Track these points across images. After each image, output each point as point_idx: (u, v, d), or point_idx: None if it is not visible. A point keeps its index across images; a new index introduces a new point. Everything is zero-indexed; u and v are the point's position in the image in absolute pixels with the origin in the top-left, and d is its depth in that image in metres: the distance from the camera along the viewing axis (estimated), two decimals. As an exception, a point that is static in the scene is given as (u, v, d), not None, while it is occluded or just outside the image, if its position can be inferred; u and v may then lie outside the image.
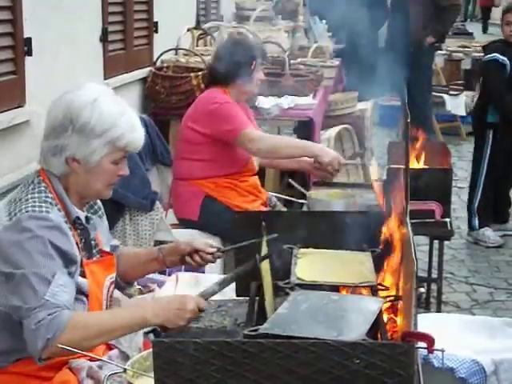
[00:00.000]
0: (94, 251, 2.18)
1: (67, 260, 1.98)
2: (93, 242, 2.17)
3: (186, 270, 3.60)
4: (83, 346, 1.91)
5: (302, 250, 2.20)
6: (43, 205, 2.01)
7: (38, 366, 1.99)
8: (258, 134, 3.64)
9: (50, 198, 2.04)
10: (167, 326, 1.97)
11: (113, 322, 1.96)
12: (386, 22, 8.81)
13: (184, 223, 3.87)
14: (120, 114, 2.07)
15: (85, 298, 2.06)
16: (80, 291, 2.05)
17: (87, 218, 2.16)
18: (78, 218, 2.09)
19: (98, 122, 2.03)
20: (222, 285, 2.13)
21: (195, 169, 3.73)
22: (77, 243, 2.07)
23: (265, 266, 2.04)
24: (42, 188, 2.06)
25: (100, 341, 1.98)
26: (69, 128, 2.03)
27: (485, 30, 17.74)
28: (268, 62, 5.61)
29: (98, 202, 2.27)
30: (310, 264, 2.11)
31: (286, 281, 2.00)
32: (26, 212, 1.98)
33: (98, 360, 2.05)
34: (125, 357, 2.14)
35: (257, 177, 3.91)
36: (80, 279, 2.05)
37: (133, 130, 2.08)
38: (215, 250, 2.36)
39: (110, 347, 2.24)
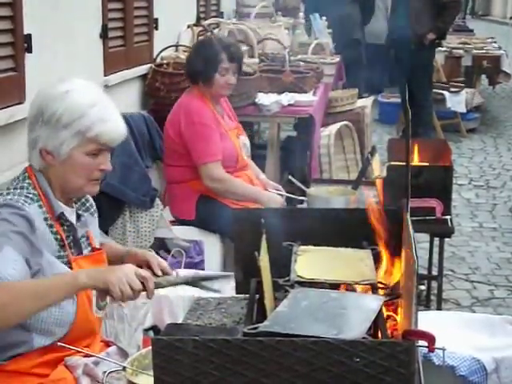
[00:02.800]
0: (88, 248, 2.16)
1: (30, 250, 1.92)
2: (84, 239, 2.16)
3: (185, 267, 3.61)
4: (9, 309, 1.79)
5: (302, 247, 2.20)
6: (22, 198, 2.00)
7: (33, 363, 1.99)
8: (219, 174, 3.64)
9: (31, 194, 2.03)
10: (100, 287, 1.89)
11: (42, 283, 1.88)
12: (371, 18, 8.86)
13: (182, 223, 3.87)
14: (91, 104, 2.03)
15: None
16: None
17: (78, 215, 2.16)
18: (62, 213, 2.07)
19: (65, 113, 2.01)
20: (177, 281, 2.11)
21: (184, 173, 3.75)
22: (62, 239, 2.05)
23: (264, 263, 2.03)
24: (25, 184, 2.05)
25: (29, 304, 1.82)
26: (39, 120, 2.03)
27: None
28: (268, 59, 5.63)
29: (90, 199, 2.25)
30: (309, 261, 2.11)
31: (286, 278, 2.00)
32: (3, 201, 1.98)
33: (97, 357, 2.05)
34: (123, 354, 2.14)
35: (250, 171, 3.91)
36: (62, 265, 2.02)
37: (104, 121, 2.03)
38: (161, 275, 2.18)
39: (108, 344, 2.24)
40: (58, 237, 2.05)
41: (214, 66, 3.67)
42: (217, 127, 3.69)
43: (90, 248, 2.19)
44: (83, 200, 2.23)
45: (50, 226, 2.03)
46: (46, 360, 2.02)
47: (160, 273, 2.19)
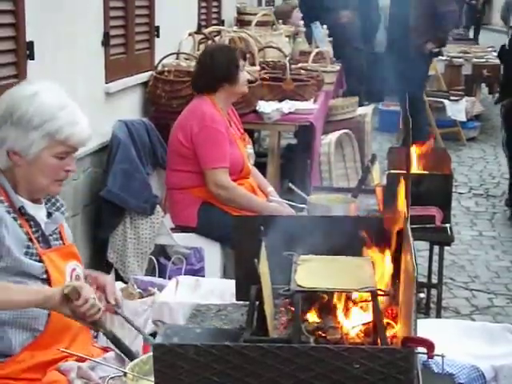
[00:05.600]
0: (57, 243, 2.19)
1: None
2: (55, 235, 2.19)
3: (186, 274, 3.62)
4: None
5: (302, 256, 2.20)
6: None
7: (21, 367, 2.02)
8: (225, 181, 3.66)
9: None
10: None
11: (11, 292, 1.95)
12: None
13: (183, 230, 3.88)
14: (61, 107, 2.07)
15: (34, 283, 2.06)
16: (25, 274, 2.05)
17: (49, 214, 2.19)
18: (22, 207, 2.09)
19: (35, 114, 2.04)
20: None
21: (188, 179, 3.76)
22: (28, 233, 2.09)
23: (263, 270, 2.04)
24: None
25: None
26: (8, 120, 2.05)
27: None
28: (269, 67, 5.65)
29: (60, 199, 2.28)
30: (309, 271, 2.11)
31: (286, 288, 2.00)
32: None
33: (96, 362, 2.05)
34: (121, 359, 2.14)
35: (252, 179, 3.93)
36: (28, 261, 2.05)
37: (74, 124, 2.08)
38: (114, 304, 2.28)
39: (105, 349, 2.24)
40: (25, 230, 2.08)
41: (237, 64, 3.78)
42: (227, 134, 3.71)
43: (61, 242, 2.21)
44: (53, 200, 2.25)
45: (15, 219, 2.06)
46: (35, 364, 2.04)
47: (113, 301, 2.26)
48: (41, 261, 2.08)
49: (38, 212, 2.16)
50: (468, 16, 15.68)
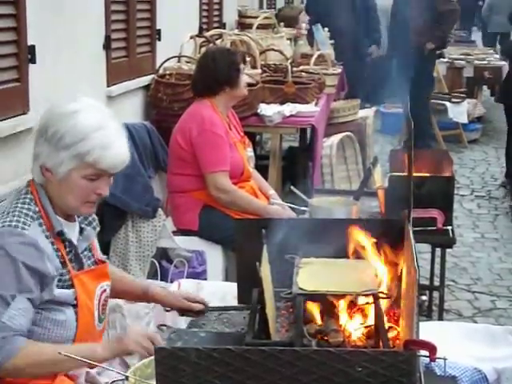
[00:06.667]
0: (89, 262, 2.17)
1: (40, 277, 1.97)
2: (86, 253, 2.17)
3: (187, 277, 3.62)
4: (30, 372, 1.97)
5: (304, 259, 2.20)
6: (22, 219, 2.00)
7: None
8: (225, 184, 3.66)
9: (31, 212, 2.03)
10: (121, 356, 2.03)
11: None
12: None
13: (184, 233, 3.88)
14: (96, 128, 2.01)
15: (67, 309, 2.05)
16: (59, 302, 2.04)
17: (81, 229, 2.16)
18: (61, 231, 2.06)
19: (67, 133, 1.99)
20: None
21: (188, 182, 3.76)
22: (63, 255, 2.06)
23: (265, 274, 2.04)
24: (27, 200, 2.05)
25: (45, 369, 1.99)
26: (43, 135, 2.03)
27: None
28: (271, 70, 5.66)
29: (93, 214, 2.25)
30: (311, 273, 2.11)
31: (288, 291, 2.01)
32: (2, 227, 1.97)
33: (98, 366, 2.05)
34: (124, 364, 2.15)
35: (254, 182, 3.93)
36: (60, 291, 2.03)
37: (104, 148, 2.00)
38: (202, 307, 2.34)
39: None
40: (59, 253, 2.05)
41: (237, 67, 3.78)
42: (227, 138, 3.71)
43: (92, 260, 2.19)
44: None
45: (52, 244, 2.04)
46: None
47: (200, 306, 2.33)
48: (72, 285, 2.06)
49: (73, 231, 2.12)
50: (479, 18, 15.66)
